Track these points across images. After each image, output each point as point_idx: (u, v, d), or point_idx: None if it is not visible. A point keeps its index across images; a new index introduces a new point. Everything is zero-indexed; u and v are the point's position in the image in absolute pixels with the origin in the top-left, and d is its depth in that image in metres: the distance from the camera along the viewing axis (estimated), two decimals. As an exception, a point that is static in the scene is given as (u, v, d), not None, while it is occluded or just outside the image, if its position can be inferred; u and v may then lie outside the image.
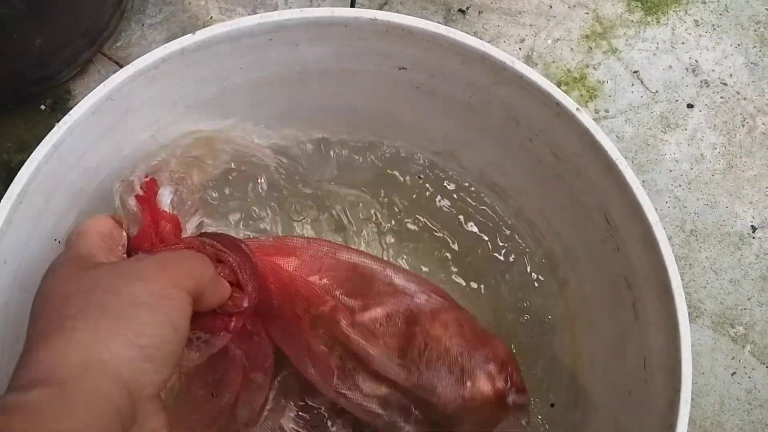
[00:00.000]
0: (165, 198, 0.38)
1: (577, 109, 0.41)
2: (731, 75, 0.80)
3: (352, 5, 0.64)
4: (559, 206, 0.49)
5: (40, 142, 0.60)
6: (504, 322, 0.55)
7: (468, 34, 0.77)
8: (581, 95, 0.77)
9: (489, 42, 0.76)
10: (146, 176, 0.39)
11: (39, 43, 0.61)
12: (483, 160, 0.53)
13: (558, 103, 0.42)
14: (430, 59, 0.45)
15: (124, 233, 0.37)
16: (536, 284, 0.55)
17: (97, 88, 0.39)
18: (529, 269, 0.55)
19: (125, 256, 0.36)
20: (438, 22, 0.77)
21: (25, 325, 0.31)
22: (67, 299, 0.29)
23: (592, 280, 0.48)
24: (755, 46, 0.82)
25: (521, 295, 0.57)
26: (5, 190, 0.68)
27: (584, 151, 0.43)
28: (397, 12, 0.77)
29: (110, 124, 0.41)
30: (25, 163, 0.38)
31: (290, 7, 0.75)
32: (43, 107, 0.72)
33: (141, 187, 0.38)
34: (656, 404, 0.40)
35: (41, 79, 0.68)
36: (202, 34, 0.40)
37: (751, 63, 0.81)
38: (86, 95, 0.60)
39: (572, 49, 0.79)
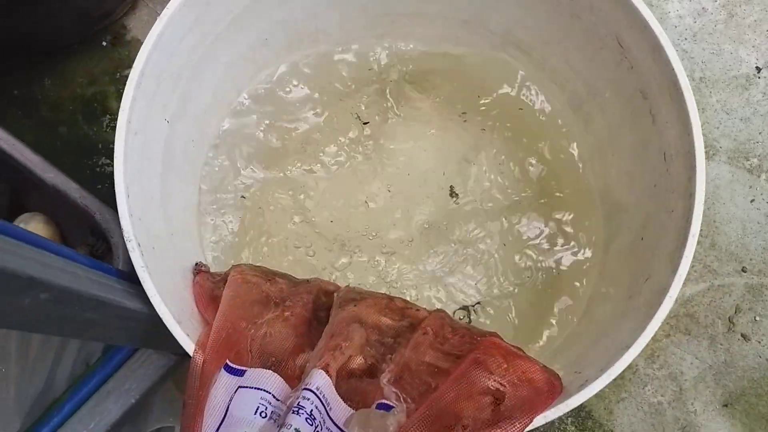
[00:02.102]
0: None
1: None
2: (725, -69, 0.86)
3: None
4: (578, 46, 0.57)
5: (107, 74, 0.70)
6: (541, 164, 0.64)
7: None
8: (586, -32, 0.84)
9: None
10: None
11: (100, -21, 0.69)
12: (508, 20, 0.61)
13: (567, -54, 0.50)
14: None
15: None
16: (564, 129, 0.63)
17: (185, -17, 0.48)
18: (556, 115, 0.63)
19: None
20: None
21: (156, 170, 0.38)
22: None
23: (613, 104, 0.57)
24: None
25: (549, 140, 0.65)
26: (84, 120, 0.77)
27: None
28: None
29: (196, 17, 0.50)
30: (138, 53, 0.48)
31: None
32: (104, 44, 0.81)
33: None
34: (678, 184, 0.49)
35: (101, 16, 0.77)
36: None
37: None
38: (140, 28, 0.70)
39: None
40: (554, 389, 0.45)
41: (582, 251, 0.62)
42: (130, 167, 0.47)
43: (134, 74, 0.47)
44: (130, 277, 0.47)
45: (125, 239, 0.45)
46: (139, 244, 0.45)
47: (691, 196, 0.47)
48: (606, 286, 0.57)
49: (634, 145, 0.55)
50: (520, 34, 0.62)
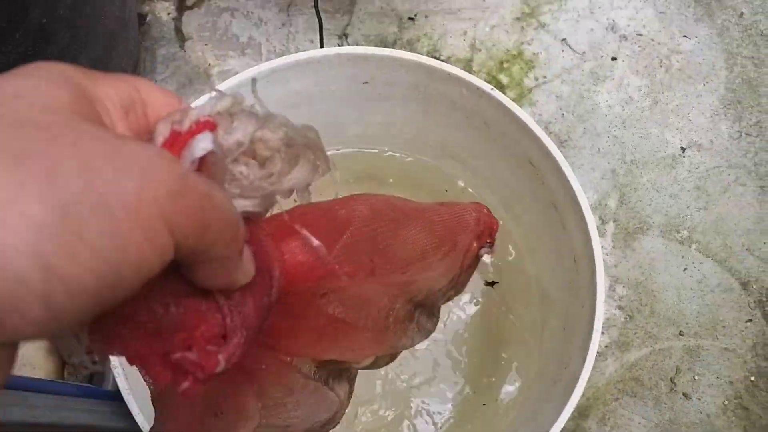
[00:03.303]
0: (198, 145, 0.23)
1: (492, 89, 0.59)
2: (644, 26, 0.97)
3: (321, 38, 0.82)
4: (499, 160, 0.66)
5: None
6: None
7: (420, 36, 0.94)
8: (521, 68, 0.94)
9: (437, 39, 0.94)
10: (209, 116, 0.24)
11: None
12: (442, 138, 0.71)
13: (478, 87, 0.59)
14: (384, 73, 0.63)
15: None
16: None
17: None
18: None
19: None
20: (393, 31, 0.94)
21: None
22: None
23: (534, 211, 0.66)
24: (661, -2, 0.99)
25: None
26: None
27: (503, 118, 0.60)
28: (359, 29, 0.95)
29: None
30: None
31: (272, 46, 0.93)
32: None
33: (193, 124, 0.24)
34: (585, 283, 0.58)
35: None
36: (224, 85, 0.58)
37: (660, 12, 0.98)
38: None
39: (507, 31, 0.96)
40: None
41: (523, 336, 0.71)
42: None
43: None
44: (118, 395, 0.55)
45: (111, 367, 0.53)
46: (123, 370, 0.53)
47: (593, 294, 0.55)
48: (541, 369, 0.66)
49: (552, 246, 0.64)
50: (454, 149, 0.71)
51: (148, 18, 0.95)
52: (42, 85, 0.20)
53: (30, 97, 0.19)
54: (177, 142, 0.23)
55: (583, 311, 0.58)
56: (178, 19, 0.96)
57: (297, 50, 0.94)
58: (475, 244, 0.38)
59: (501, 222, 0.66)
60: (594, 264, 0.56)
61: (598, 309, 0.55)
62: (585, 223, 0.57)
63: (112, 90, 0.23)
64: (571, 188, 0.57)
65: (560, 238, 0.62)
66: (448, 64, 0.61)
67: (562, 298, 0.64)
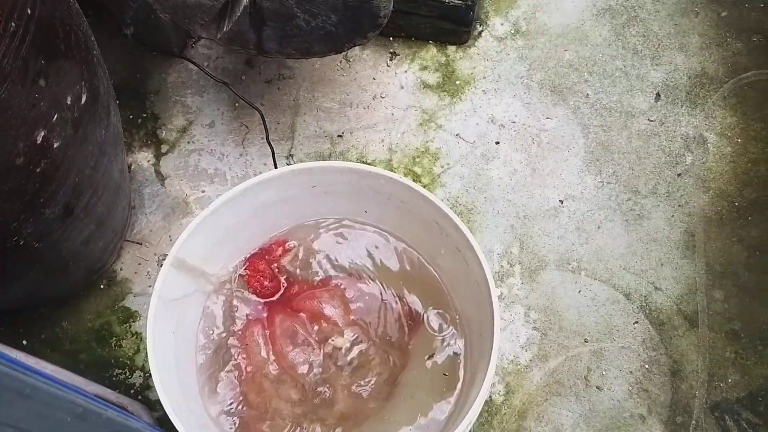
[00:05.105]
0: None
1: (400, 177, 0.87)
2: (516, 115, 1.29)
3: (274, 160, 1.10)
4: (418, 227, 0.94)
5: (108, 308, 1.02)
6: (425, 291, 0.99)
7: (349, 148, 1.23)
8: (429, 160, 1.24)
9: (362, 148, 1.24)
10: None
11: (100, 246, 1.04)
12: (376, 214, 0.98)
13: (391, 177, 0.88)
14: (326, 177, 0.91)
15: None
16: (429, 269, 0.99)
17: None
18: (420, 260, 0.99)
19: None
20: (327, 147, 1.23)
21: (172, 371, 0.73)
22: None
23: (448, 255, 0.93)
24: (525, 93, 1.32)
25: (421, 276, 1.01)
26: (97, 346, 1.07)
27: (412, 196, 0.88)
28: (301, 149, 1.24)
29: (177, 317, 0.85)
30: (147, 339, 0.80)
31: (234, 173, 1.21)
32: (102, 286, 1.13)
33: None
34: (487, 303, 0.83)
35: (98, 269, 1.10)
36: (214, 205, 0.84)
37: (526, 104, 1.31)
38: (126, 269, 1.03)
39: (414, 134, 1.26)
40: None
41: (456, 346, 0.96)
42: (164, 379, 0.78)
43: (150, 348, 0.80)
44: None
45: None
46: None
47: (491, 303, 0.81)
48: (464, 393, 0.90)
49: (463, 277, 0.91)
50: (385, 222, 0.98)
51: (132, 166, 1.22)
52: None
53: None
54: None
55: (487, 320, 0.83)
56: (156, 164, 1.23)
57: (254, 173, 1.22)
58: None
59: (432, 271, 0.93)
60: (488, 285, 0.82)
61: (495, 315, 0.81)
62: (478, 258, 0.84)
63: None
64: (465, 237, 0.85)
65: (465, 270, 0.89)
66: (368, 165, 0.89)
67: (473, 319, 0.90)
